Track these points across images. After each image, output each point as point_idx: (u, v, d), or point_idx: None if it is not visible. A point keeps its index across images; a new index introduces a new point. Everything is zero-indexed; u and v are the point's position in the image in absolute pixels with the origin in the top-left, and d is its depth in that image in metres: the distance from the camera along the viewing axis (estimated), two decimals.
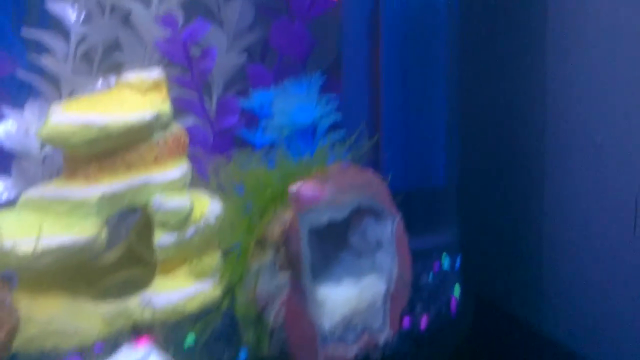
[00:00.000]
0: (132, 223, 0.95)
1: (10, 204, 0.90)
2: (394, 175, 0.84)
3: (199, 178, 0.90)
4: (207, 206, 0.87)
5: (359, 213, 0.78)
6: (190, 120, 1.01)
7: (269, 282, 0.68)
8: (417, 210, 0.93)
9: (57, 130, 0.78)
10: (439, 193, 1.03)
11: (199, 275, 0.84)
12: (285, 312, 0.67)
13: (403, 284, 0.80)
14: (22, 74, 0.93)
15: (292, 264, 0.68)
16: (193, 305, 0.82)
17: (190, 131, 0.92)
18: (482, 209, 1.05)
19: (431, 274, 0.88)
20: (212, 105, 1.01)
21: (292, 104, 0.86)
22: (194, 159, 0.91)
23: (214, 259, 0.83)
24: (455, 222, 1.00)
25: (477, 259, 0.98)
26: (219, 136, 0.99)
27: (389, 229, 0.79)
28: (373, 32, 1.00)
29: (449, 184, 1.03)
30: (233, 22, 1.04)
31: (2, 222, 0.77)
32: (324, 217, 0.70)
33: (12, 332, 0.66)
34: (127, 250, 0.92)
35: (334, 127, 0.90)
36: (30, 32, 0.91)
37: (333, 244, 0.79)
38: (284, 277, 0.68)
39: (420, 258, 0.86)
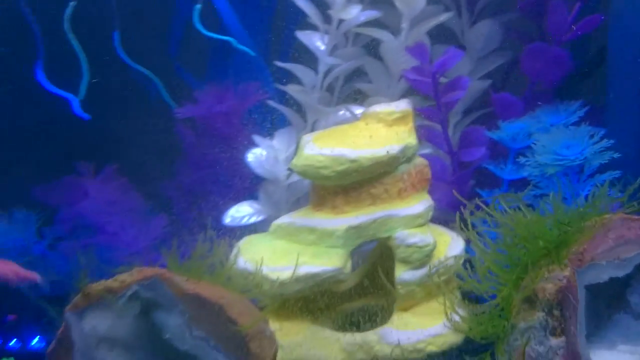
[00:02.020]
0: (367, 252, 0.94)
1: (258, 227, 0.96)
2: None
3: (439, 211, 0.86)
4: (448, 244, 0.83)
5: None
6: (428, 149, 0.98)
7: (539, 345, 0.61)
8: None
9: (311, 163, 0.79)
10: None
11: (440, 315, 0.80)
12: None
13: None
14: (271, 103, 0.97)
15: (567, 327, 0.60)
16: (435, 346, 0.79)
17: (431, 162, 0.89)
18: None
19: None
20: (453, 135, 0.97)
21: (558, 137, 0.78)
22: (434, 191, 0.88)
23: (452, 300, 0.79)
24: None
25: None
26: (459, 168, 0.94)
27: None
28: None
29: None
30: (478, 47, 0.99)
31: (257, 247, 0.80)
32: (604, 275, 0.62)
33: None
34: (362, 279, 0.92)
35: (605, 166, 0.80)
36: (283, 64, 0.94)
37: (606, 302, 0.70)
38: (557, 342, 0.60)
39: None
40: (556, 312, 0.61)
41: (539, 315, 0.62)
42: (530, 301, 0.63)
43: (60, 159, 0.96)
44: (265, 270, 0.77)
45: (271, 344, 0.67)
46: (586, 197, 0.68)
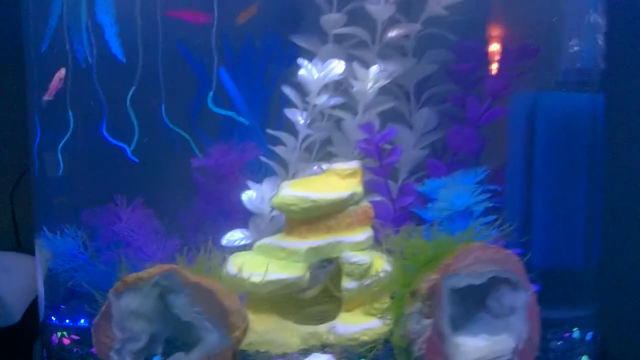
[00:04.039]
0: (328, 271, 1.26)
1: (246, 247, 1.28)
2: (538, 254, 1.04)
3: (378, 243, 1.19)
4: (382, 264, 1.15)
5: (497, 282, 0.99)
6: (378, 198, 1.31)
7: (416, 324, 0.93)
8: (554, 287, 1.11)
9: (284, 201, 1.12)
10: (578, 273, 1.19)
11: (373, 314, 1.11)
12: (426, 347, 0.91)
13: (531, 344, 0.98)
14: (263, 159, 1.31)
15: (434, 312, 0.92)
16: (366, 336, 1.09)
17: (376, 206, 1.22)
18: (623, 289, 1.18)
19: (560, 342, 1.04)
20: (396, 188, 1.30)
21: (452, 191, 1.11)
22: (376, 228, 1.20)
23: (383, 304, 1.10)
24: (592, 300, 1.15)
25: (614, 336, 1.11)
26: (398, 212, 1.27)
27: (522, 298, 0.99)
28: (530, 135, 1.23)
29: (587, 265, 1.19)
30: (420, 125, 1.33)
31: (242, 259, 1.13)
32: (463, 282, 0.94)
33: (244, 333, 0.99)
34: (323, 290, 1.23)
35: (489, 211, 1.13)
36: (273, 131, 1.29)
37: (474, 305, 1.01)
38: (427, 322, 0.92)
39: (552, 328, 1.03)
40: (428, 302, 0.92)
41: (418, 304, 0.94)
42: (414, 295, 0.94)
43: (106, 191, 1.30)
44: (245, 275, 1.10)
45: (244, 319, 0.98)
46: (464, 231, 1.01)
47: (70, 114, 1.15)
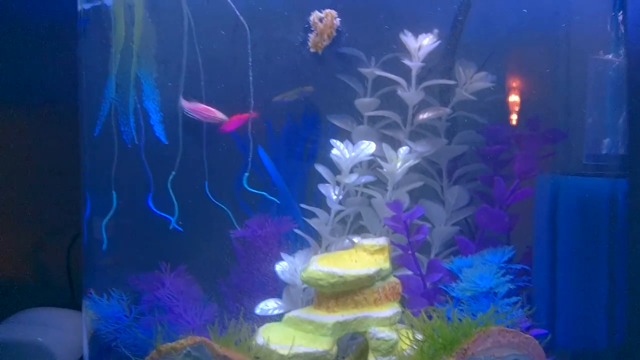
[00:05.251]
0: (356, 344, 1.29)
1: (279, 317, 1.33)
2: (561, 335, 1.04)
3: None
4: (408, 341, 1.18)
5: None
6: (408, 272, 1.34)
7: None
8: None
9: (312, 276, 1.18)
10: (602, 354, 1.19)
11: None
12: None
13: None
14: (298, 231, 1.37)
15: None
16: None
17: (406, 281, 1.25)
18: None
19: None
20: (424, 264, 1.34)
21: (476, 271, 1.14)
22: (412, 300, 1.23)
23: None
24: None
25: None
26: (428, 287, 1.30)
27: None
28: (554, 217, 1.25)
29: (611, 346, 1.19)
30: (452, 203, 1.37)
31: (272, 330, 1.18)
32: None
33: None
34: None
35: (512, 293, 1.15)
36: (307, 206, 1.36)
37: None
38: None
39: None
40: None
41: None
42: None
43: (151, 259, 1.39)
44: (274, 347, 1.14)
45: None
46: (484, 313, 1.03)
47: (114, 193, 1.25)
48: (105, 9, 1.22)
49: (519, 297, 1.10)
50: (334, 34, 1.21)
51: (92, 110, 1.25)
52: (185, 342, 1.06)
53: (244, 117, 1.26)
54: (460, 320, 1.01)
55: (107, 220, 1.27)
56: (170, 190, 1.23)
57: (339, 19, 1.24)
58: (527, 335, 1.01)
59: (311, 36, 1.23)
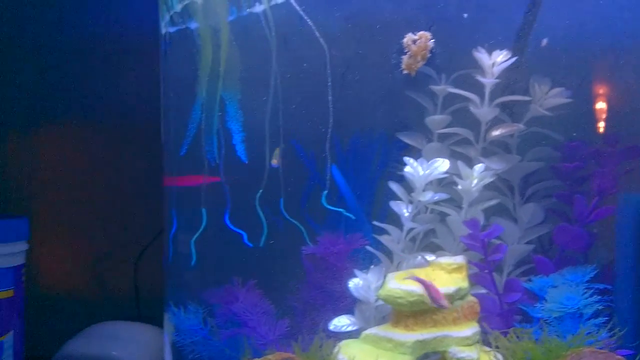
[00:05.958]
0: None
1: (349, 334, 1.33)
2: None
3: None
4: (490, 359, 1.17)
5: None
6: (483, 291, 1.33)
7: None
8: None
9: (391, 294, 1.18)
10: None
11: None
12: None
13: None
14: (370, 248, 1.38)
15: None
16: None
17: (482, 300, 1.24)
18: None
19: None
20: (500, 281, 1.32)
21: (562, 291, 1.12)
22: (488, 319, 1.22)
23: None
24: None
25: None
26: (505, 307, 1.28)
27: None
28: (637, 237, 1.22)
29: None
30: (525, 221, 1.35)
31: (352, 348, 1.18)
32: None
33: None
34: None
35: (599, 313, 1.13)
36: (379, 223, 1.36)
37: None
38: None
39: None
40: None
41: None
42: None
43: (225, 274, 1.41)
44: None
45: None
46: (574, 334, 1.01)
47: (203, 210, 1.28)
48: (190, 33, 1.25)
49: (606, 318, 1.08)
50: (428, 54, 1.21)
51: (179, 131, 1.28)
52: (273, 357, 1.07)
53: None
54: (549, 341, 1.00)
55: (196, 237, 1.29)
56: (259, 208, 1.25)
57: (432, 40, 1.24)
58: (619, 357, 0.99)
59: (404, 58, 1.23)
